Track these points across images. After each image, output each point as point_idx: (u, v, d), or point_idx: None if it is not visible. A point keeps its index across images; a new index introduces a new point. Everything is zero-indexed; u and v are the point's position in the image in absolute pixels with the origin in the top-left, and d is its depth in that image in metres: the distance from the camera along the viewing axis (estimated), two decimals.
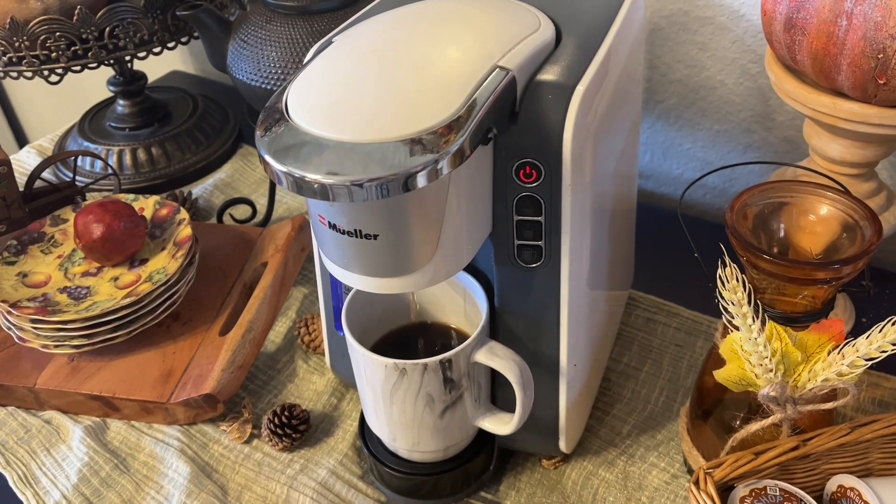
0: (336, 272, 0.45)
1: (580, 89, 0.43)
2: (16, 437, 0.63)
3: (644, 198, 0.83)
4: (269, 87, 0.78)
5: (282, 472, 0.59)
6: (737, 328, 0.46)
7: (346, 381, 0.65)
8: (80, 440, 0.62)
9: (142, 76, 0.94)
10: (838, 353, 0.45)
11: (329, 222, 0.42)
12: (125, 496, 0.58)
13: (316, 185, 0.37)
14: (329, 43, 0.46)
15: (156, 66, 1.10)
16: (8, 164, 0.69)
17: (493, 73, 0.41)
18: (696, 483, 0.46)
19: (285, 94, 0.41)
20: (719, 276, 0.46)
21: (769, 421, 0.48)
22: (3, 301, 0.64)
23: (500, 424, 0.52)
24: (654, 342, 0.67)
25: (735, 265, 0.46)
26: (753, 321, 0.46)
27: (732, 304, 0.46)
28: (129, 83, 0.93)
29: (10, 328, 0.65)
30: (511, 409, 0.52)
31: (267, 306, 0.68)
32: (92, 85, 1.14)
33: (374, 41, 0.44)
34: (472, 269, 0.51)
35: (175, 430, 0.63)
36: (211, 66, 0.90)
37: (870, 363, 0.45)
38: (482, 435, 0.55)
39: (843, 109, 0.52)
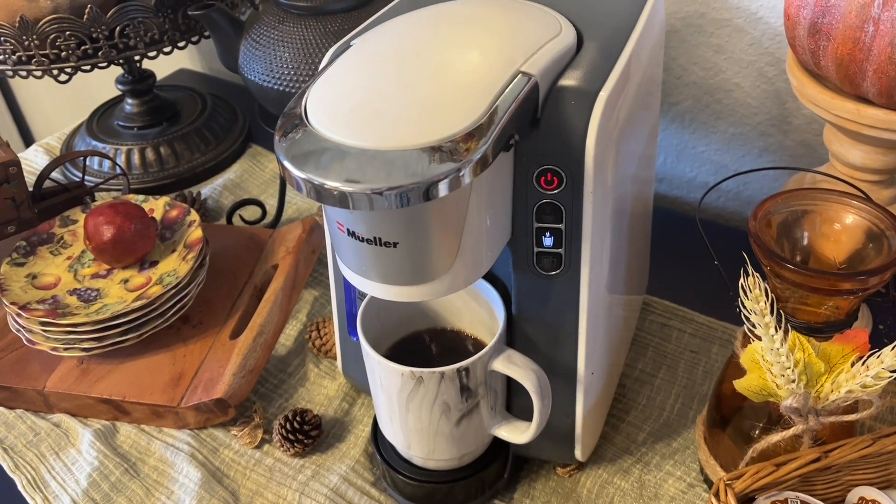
0: (354, 280, 0.44)
1: (603, 95, 0.42)
2: (25, 440, 0.62)
3: (657, 201, 0.82)
4: (281, 89, 0.78)
5: (293, 478, 0.58)
6: (759, 338, 0.46)
7: (359, 386, 0.64)
8: (89, 444, 0.61)
9: (150, 75, 0.94)
10: (862, 364, 0.45)
11: (348, 230, 0.41)
12: (135, 501, 0.58)
13: (336, 193, 0.36)
14: (347, 46, 0.45)
15: (164, 65, 1.09)
16: (18, 164, 0.69)
17: (516, 78, 0.40)
18: (717, 495, 0.46)
19: (304, 99, 0.41)
20: (741, 285, 0.45)
21: (791, 432, 0.47)
22: (13, 303, 0.63)
23: (517, 433, 0.52)
24: (669, 348, 0.66)
25: (757, 274, 0.45)
26: (776, 331, 0.45)
27: (754, 313, 0.45)
28: (138, 82, 0.92)
29: (19, 330, 0.64)
30: (527, 418, 0.51)
31: (278, 309, 0.67)
32: (98, 84, 1.14)
33: (394, 45, 0.43)
34: (488, 276, 0.51)
35: (185, 434, 0.62)
36: (219, 64, 0.89)
37: (895, 374, 0.44)
38: (497, 442, 0.55)
39: (868, 116, 0.51)
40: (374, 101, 0.39)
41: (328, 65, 0.44)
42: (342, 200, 0.36)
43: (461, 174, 0.37)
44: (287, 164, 0.37)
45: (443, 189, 0.36)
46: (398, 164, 0.36)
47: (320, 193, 0.36)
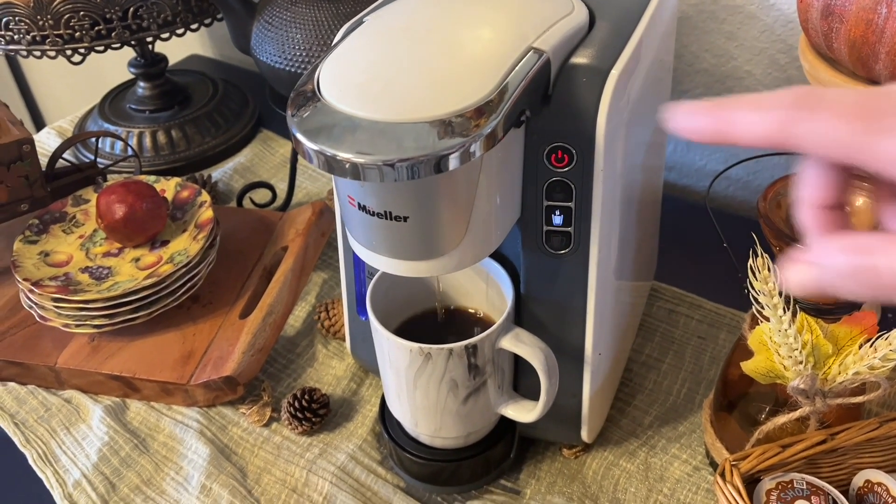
0: (363, 254, 0.44)
1: (614, 73, 0.42)
2: (36, 415, 0.63)
3: (666, 189, 0.82)
4: (293, 70, 0.78)
5: (301, 456, 0.59)
6: (767, 319, 0.46)
7: (367, 366, 0.65)
8: (99, 420, 0.62)
9: (162, 58, 0.94)
10: (870, 346, 0.45)
11: (358, 203, 0.41)
12: (144, 476, 0.58)
13: (347, 165, 0.36)
14: (360, 22, 0.45)
15: (176, 50, 1.09)
16: (31, 142, 0.69)
17: (528, 55, 0.40)
18: (722, 475, 0.46)
19: (317, 73, 0.41)
20: (750, 266, 0.45)
21: (797, 414, 0.47)
22: (26, 279, 0.64)
23: (524, 412, 0.52)
24: (677, 334, 0.67)
25: (766, 255, 0.45)
26: (784, 312, 0.45)
27: (763, 294, 0.45)
28: (150, 65, 0.93)
29: (31, 307, 0.65)
30: (533, 397, 0.51)
31: (287, 290, 0.68)
32: (109, 67, 1.14)
33: (407, 20, 0.43)
34: (497, 255, 0.51)
35: (194, 411, 0.62)
36: (230, 49, 0.90)
37: None
38: (503, 422, 0.55)
39: None
40: (387, 74, 0.39)
41: (340, 40, 0.44)
42: (353, 172, 0.36)
43: (471, 148, 0.37)
44: (300, 135, 0.37)
45: (453, 162, 0.36)
46: (409, 136, 0.36)
47: (332, 165, 0.37)
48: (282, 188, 0.84)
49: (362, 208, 0.41)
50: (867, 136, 0.24)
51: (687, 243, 0.72)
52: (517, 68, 0.39)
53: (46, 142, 0.97)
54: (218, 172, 0.90)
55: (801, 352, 0.45)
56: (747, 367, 0.48)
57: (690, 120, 0.28)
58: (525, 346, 0.48)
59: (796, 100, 0.26)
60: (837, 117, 0.25)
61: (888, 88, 0.25)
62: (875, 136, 0.24)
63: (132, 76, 0.95)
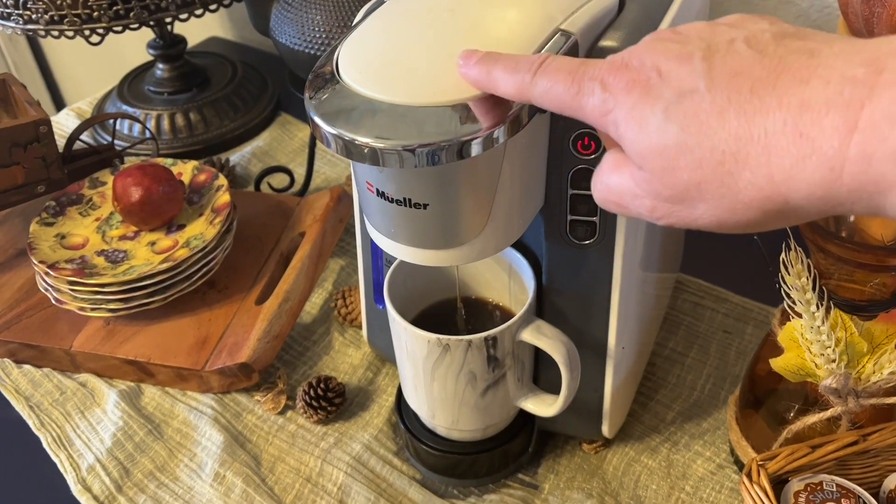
0: (382, 242, 0.43)
1: None
2: (51, 398, 0.62)
3: None
4: (312, 52, 0.77)
5: (315, 445, 0.58)
6: (799, 315, 0.44)
7: (384, 355, 0.64)
8: (114, 404, 0.61)
9: (181, 40, 0.93)
10: None
11: (377, 189, 0.40)
12: (158, 462, 0.58)
13: (366, 150, 0.35)
14: (381, 2, 0.44)
15: (195, 32, 1.09)
16: (48, 123, 0.69)
17: (555, 37, 0.39)
18: (749, 475, 0.44)
19: (336, 55, 0.39)
20: (782, 259, 0.43)
21: (828, 413, 0.46)
22: (42, 262, 0.63)
23: (544, 406, 0.51)
24: (702, 327, 0.65)
25: (800, 248, 0.43)
26: (818, 308, 0.43)
27: (795, 289, 0.44)
28: (169, 47, 0.92)
29: (47, 289, 0.64)
30: (553, 391, 0.50)
31: (304, 276, 0.67)
32: (129, 49, 1.14)
33: (430, 1, 0.42)
34: (518, 246, 0.50)
35: (209, 398, 0.62)
36: (250, 32, 0.88)
37: None
38: (522, 416, 0.54)
39: None
40: (408, 56, 0.38)
41: (360, 21, 0.43)
42: (372, 157, 0.35)
43: (495, 134, 0.35)
44: (317, 118, 0.36)
45: (476, 148, 0.35)
46: (431, 121, 0.35)
47: (350, 150, 0.35)
48: (300, 173, 0.83)
49: (381, 195, 0.40)
50: (578, 98, 0.31)
51: (714, 235, 0.70)
52: (544, 51, 0.38)
53: (65, 123, 0.97)
54: (236, 156, 0.89)
55: (834, 350, 0.44)
56: (777, 364, 0.47)
57: (466, 69, 0.35)
58: (547, 338, 0.47)
59: (531, 65, 0.33)
60: (559, 82, 0.32)
61: (594, 61, 0.31)
62: (583, 98, 0.31)
63: (151, 58, 0.94)
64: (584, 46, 0.40)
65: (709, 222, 0.30)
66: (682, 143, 0.28)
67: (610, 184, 0.32)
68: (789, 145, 0.26)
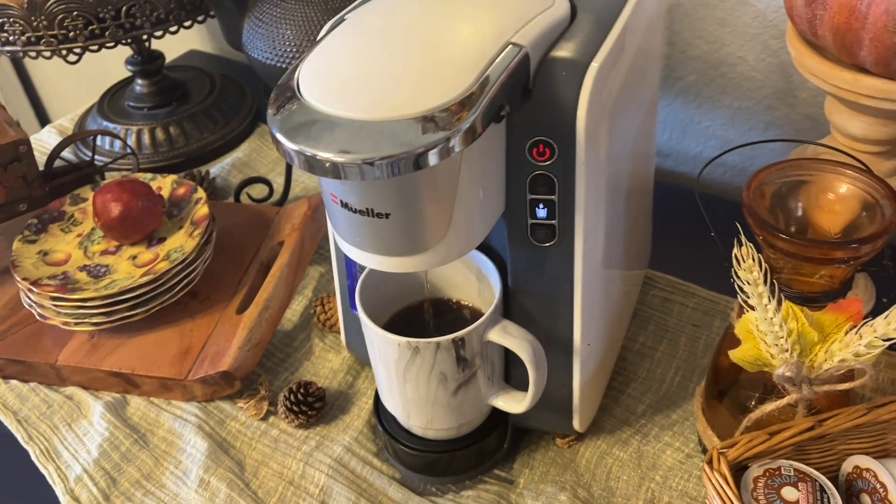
0: (349, 251, 0.45)
1: (594, 66, 0.42)
2: (38, 412, 0.64)
3: (662, 176, 0.82)
4: (284, 66, 0.78)
5: (298, 449, 0.59)
6: (752, 308, 0.46)
7: (362, 359, 0.65)
8: (100, 416, 0.63)
9: (159, 55, 0.95)
10: (855, 333, 0.45)
11: (341, 201, 0.42)
12: (145, 470, 0.59)
13: (327, 164, 0.37)
14: (341, 20, 0.46)
15: (174, 46, 1.10)
16: (27, 142, 0.70)
17: (506, 49, 0.41)
18: (710, 463, 0.46)
19: (297, 72, 0.41)
20: (735, 255, 0.45)
21: (784, 401, 0.47)
22: (25, 279, 0.65)
23: (514, 403, 0.52)
24: (671, 322, 0.67)
25: (751, 244, 0.45)
26: (769, 301, 0.45)
27: (748, 283, 0.45)
28: (147, 62, 0.93)
29: (31, 305, 0.66)
30: (525, 388, 0.52)
31: (283, 284, 0.68)
32: (112, 64, 1.15)
33: (386, 18, 0.43)
34: (485, 248, 0.51)
35: (193, 406, 0.63)
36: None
37: (888, 343, 0.44)
38: (496, 413, 0.56)
39: (865, 85, 0.51)
40: (365, 73, 0.40)
41: (321, 39, 0.44)
42: (334, 171, 0.37)
43: (451, 144, 0.37)
44: (279, 136, 0.38)
45: (432, 158, 0.37)
46: (388, 134, 0.37)
47: (312, 165, 0.37)
48: (279, 182, 0.85)
49: (345, 206, 0.42)
50: None
51: (682, 231, 0.72)
52: (495, 64, 0.40)
53: (47, 140, 0.98)
54: (216, 168, 0.90)
55: (786, 340, 0.46)
56: (735, 355, 0.49)
57: None
58: (512, 338, 0.48)
59: None
60: None
61: None
62: None
63: (130, 73, 0.96)
64: (536, 58, 0.42)
65: None
66: None
67: None
68: None
